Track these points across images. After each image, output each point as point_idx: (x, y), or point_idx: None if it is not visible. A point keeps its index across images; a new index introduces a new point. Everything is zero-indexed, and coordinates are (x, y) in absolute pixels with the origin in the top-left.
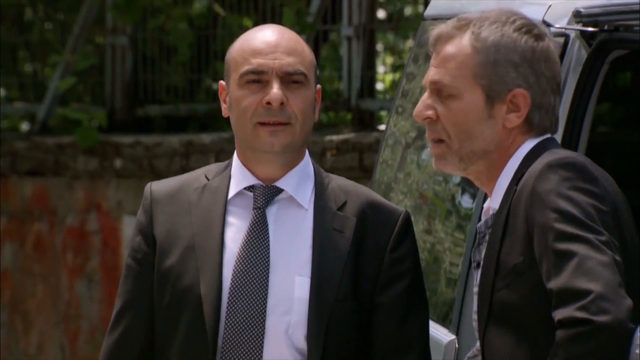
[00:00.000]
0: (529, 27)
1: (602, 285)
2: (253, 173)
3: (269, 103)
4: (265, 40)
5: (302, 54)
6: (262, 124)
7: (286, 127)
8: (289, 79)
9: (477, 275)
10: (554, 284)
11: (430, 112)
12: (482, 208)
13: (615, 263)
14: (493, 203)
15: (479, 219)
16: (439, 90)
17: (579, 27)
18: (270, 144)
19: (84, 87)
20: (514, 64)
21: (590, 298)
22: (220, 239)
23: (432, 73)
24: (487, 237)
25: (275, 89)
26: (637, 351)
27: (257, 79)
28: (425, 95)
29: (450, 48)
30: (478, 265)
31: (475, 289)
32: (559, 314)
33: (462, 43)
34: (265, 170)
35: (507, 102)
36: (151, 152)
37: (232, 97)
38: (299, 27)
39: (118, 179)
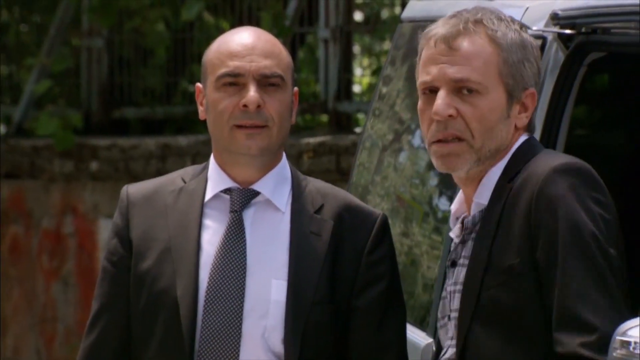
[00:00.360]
0: (522, 25)
1: (608, 324)
2: (230, 176)
3: (245, 106)
4: (242, 43)
5: (279, 57)
6: (239, 126)
7: (263, 129)
8: (266, 82)
9: (453, 274)
10: (559, 301)
11: (452, 110)
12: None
13: (619, 295)
14: (481, 198)
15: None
16: (460, 88)
17: (557, 29)
18: (247, 147)
19: (61, 90)
20: (530, 63)
21: (596, 336)
22: (197, 241)
23: (454, 70)
24: (473, 234)
25: (252, 92)
26: (614, 354)
27: (234, 81)
28: (443, 92)
29: (469, 45)
30: (454, 263)
31: (452, 288)
32: (563, 345)
33: (480, 41)
34: (242, 173)
35: (521, 102)
36: (127, 154)
37: (208, 100)
38: (276, 30)
39: (94, 181)
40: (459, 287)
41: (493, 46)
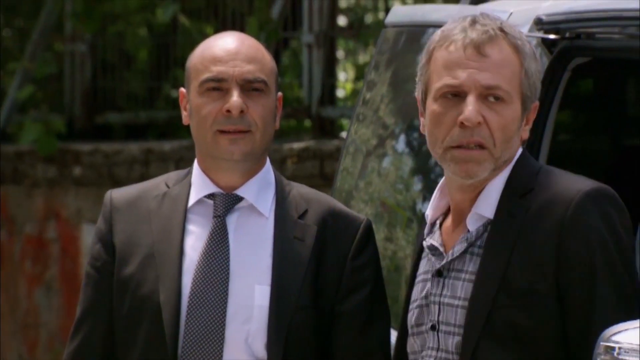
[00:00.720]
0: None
1: None
2: (213, 181)
3: (228, 111)
4: (226, 48)
5: (263, 62)
6: (222, 131)
7: (246, 134)
8: (249, 87)
9: (441, 285)
10: (590, 332)
11: (481, 117)
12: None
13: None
14: (483, 210)
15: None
16: (487, 95)
17: (541, 34)
18: (230, 152)
19: (44, 95)
20: (540, 74)
21: None
22: (180, 247)
23: (485, 77)
24: (476, 248)
25: (235, 97)
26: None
27: (217, 86)
28: (473, 98)
29: (499, 53)
30: (440, 273)
31: (444, 299)
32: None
33: (508, 49)
34: (225, 179)
35: (528, 114)
36: (110, 159)
37: (192, 105)
38: (264, 34)
39: (77, 186)
40: (460, 302)
41: (517, 55)
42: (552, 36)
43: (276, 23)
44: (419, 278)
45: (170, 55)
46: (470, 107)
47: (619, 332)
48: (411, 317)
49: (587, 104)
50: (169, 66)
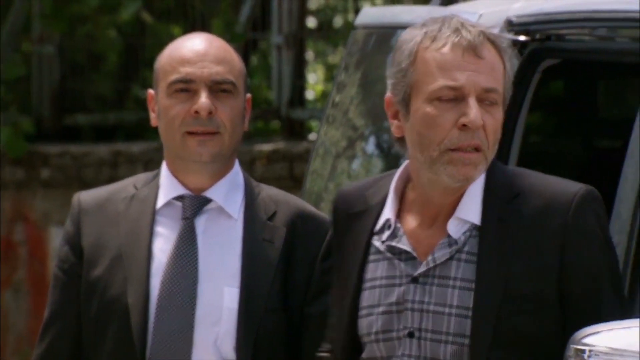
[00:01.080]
0: None
1: None
2: (182, 183)
3: (197, 112)
4: (194, 49)
5: (231, 63)
6: (191, 133)
7: (215, 136)
8: (218, 88)
9: (418, 291)
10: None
11: (482, 121)
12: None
13: None
14: (466, 215)
15: (389, 228)
16: (484, 98)
17: (511, 36)
18: (199, 154)
19: (13, 96)
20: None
21: None
22: (148, 249)
23: (484, 80)
24: (463, 254)
25: (203, 98)
26: None
27: (186, 87)
28: (473, 101)
29: (491, 56)
30: (415, 280)
31: (425, 307)
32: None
33: (494, 52)
34: (194, 180)
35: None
36: (79, 161)
37: (160, 106)
38: (228, 36)
39: (45, 189)
40: (453, 309)
41: (501, 58)
42: (522, 38)
43: (242, 26)
44: (374, 283)
45: (138, 56)
46: (475, 109)
47: (590, 334)
48: (372, 323)
49: (558, 106)
50: (137, 68)
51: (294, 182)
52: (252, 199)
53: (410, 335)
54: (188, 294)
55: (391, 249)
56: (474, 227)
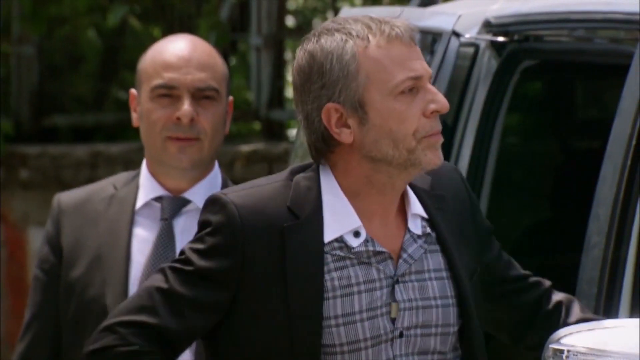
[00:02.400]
0: None
1: None
2: (161, 184)
3: (179, 119)
4: (178, 54)
5: (215, 68)
6: (171, 138)
7: (195, 142)
8: (201, 95)
9: (408, 289)
10: (518, 268)
11: None
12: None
13: None
14: (418, 210)
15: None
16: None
17: (489, 37)
18: (179, 160)
19: None
20: None
21: None
22: (127, 250)
23: (427, 65)
24: (428, 246)
25: (186, 105)
26: None
27: (168, 93)
28: (432, 87)
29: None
30: (397, 280)
31: (425, 302)
32: (542, 279)
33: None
34: (173, 183)
35: None
36: (58, 162)
37: (142, 109)
38: (215, 36)
39: (24, 190)
40: (439, 301)
41: None
42: (500, 39)
43: (226, 26)
44: (350, 289)
45: (118, 57)
46: (440, 94)
47: (568, 334)
48: (353, 331)
49: (536, 107)
50: (116, 69)
51: None
52: None
53: (401, 335)
54: None
55: (361, 254)
56: (423, 219)
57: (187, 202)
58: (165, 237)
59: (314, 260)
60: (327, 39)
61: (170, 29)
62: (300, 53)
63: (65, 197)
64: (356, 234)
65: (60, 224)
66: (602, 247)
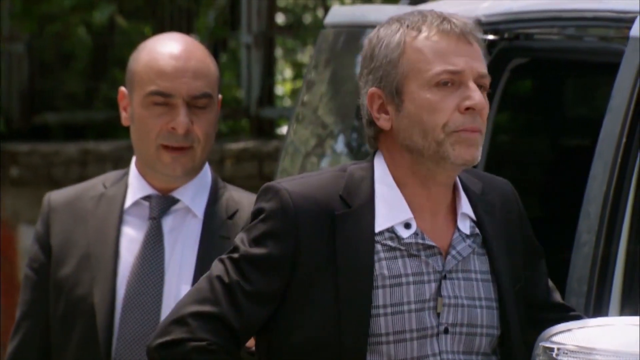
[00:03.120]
0: None
1: None
2: (150, 183)
3: (174, 128)
4: (173, 63)
5: (209, 74)
6: (166, 147)
7: (188, 150)
8: (195, 103)
9: (456, 286)
10: (560, 298)
11: None
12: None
13: None
14: (467, 210)
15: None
16: (479, 84)
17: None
18: (172, 169)
19: None
20: None
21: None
22: (115, 249)
23: (480, 65)
24: (476, 248)
25: (182, 116)
26: None
27: (164, 101)
28: (473, 84)
29: (477, 44)
30: (445, 275)
31: (469, 302)
32: (582, 315)
33: (477, 42)
34: (162, 183)
35: None
36: (48, 160)
37: (135, 113)
38: (208, 32)
39: (14, 187)
40: (484, 302)
41: (482, 48)
42: (490, 37)
43: (225, 16)
44: (399, 280)
45: (108, 55)
46: (478, 92)
47: (558, 332)
48: (401, 321)
49: (526, 105)
50: (107, 67)
51: (263, 181)
52: (216, 199)
53: (446, 331)
54: (154, 294)
55: (411, 246)
56: (472, 220)
57: (175, 201)
58: (154, 236)
59: (365, 249)
60: (385, 28)
61: (161, 27)
62: (366, 41)
63: (56, 196)
64: (407, 225)
65: (50, 222)
66: (592, 245)
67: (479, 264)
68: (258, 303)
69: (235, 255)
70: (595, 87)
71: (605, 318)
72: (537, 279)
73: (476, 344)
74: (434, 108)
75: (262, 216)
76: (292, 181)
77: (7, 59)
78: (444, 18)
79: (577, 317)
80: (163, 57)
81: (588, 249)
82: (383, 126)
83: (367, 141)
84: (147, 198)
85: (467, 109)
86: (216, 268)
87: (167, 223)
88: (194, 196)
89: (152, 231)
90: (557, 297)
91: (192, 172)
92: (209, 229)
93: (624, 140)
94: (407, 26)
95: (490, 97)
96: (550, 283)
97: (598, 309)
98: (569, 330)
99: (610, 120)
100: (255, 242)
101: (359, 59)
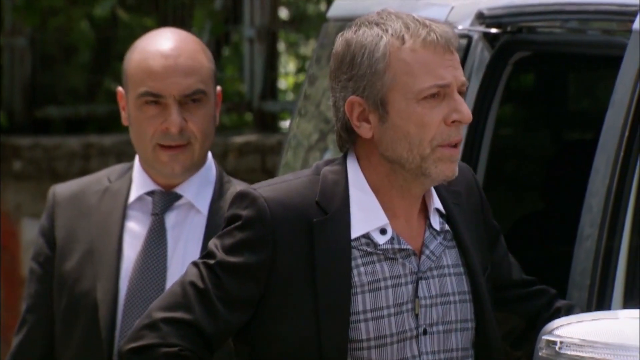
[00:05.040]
0: None
1: None
2: (153, 179)
3: (167, 128)
4: (162, 62)
5: (201, 70)
6: (162, 146)
7: (186, 147)
8: (188, 100)
9: (431, 285)
10: (522, 273)
11: None
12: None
13: None
14: (438, 205)
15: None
16: (460, 92)
17: (482, 28)
18: (171, 168)
19: None
20: None
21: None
22: (118, 244)
23: (461, 74)
24: (447, 242)
25: (174, 115)
26: (540, 354)
27: (155, 100)
28: (459, 96)
29: (455, 50)
30: (421, 276)
31: (444, 299)
32: (547, 287)
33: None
34: (165, 179)
35: None
36: (50, 154)
37: (130, 114)
38: (209, 27)
39: (17, 181)
40: (457, 296)
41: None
42: (493, 30)
43: (221, 13)
44: (377, 285)
45: (110, 49)
46: (464, 105)
47: (561, 326)
48: (381, 326)
49: (529, 98)
50: (109, 60)
51: (266, 175)
52: (221, 194)
53: (425, 332)
54: (156, 290)
55: (387, 251)
56: (441, 214)
57: (178, 197)
58: (156, 232)
59: (342, 256)
60: (365, 32)
61: (164, 20)
62: (339, 39)
63: (61, 189)
64: (382, 231)
65: (55, 216)
66: (595, 239)
67: (450, 258)
68: (232, 310)
69: (211, 261)
70: (597, 81)
71: (608, 311)
72: (499, 259)
73: (453, 341)
74: (423, 121)
75: (238, 223)
76: (268, 187)
77: (9, 52)
78: (426, 27)
79: (542, 291)
80: (153, 57)
81: (590, 243)
82: (363, 134)
83: (338, 142)
84: (150, 193)
85: (454, 121)
86: (190, 273)
87: (170, 219)
88: (197, 192)
89: (155, 227)
90: (519, 273)
91: (193, 168)
92: (213, 224)
93: (626, 133)
94: (391, 35)
95: (492, 90)
96: (512, 258)
97: (601, 302)
98: (571, 323)
99: (613, 113)
100: (231, 250)
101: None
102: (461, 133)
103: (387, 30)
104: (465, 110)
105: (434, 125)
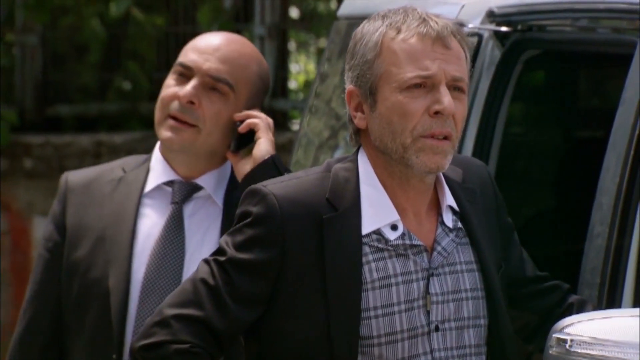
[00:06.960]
0: None
1: None
2: (173, 169)
3: (179, 97)
4: (209, 42)
5: (239, 68)
6: (170, 117)
7: (190, 128)
8: (212, 85)
9: (443, 282)
10: (535, 269)
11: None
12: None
13: None
14: (451, 202)
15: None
16: (453, 87)
17: (493, 26)
18: (169, 140)
19: None
20: None
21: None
22: (132, 232)
23: (453, 68)
24: (461, 239)
25: (189, 87)
26: (550, 352)
27: (184, 72)
28: (445, 88)
29: (457, 46)
30: (432, 273)
31: (455, 295)
32: (560, 282)
33: (457, 44)
34: (183, 169)
35: None
36: (61, 152)
37: (166, 81)
38: (216, 25)
39: (28, 179)
40: (469, 293)
41: (463, 50)
42: (504, 28)
43: (229, 12)
44: (388, 281)
45: (121, 47)
46: (447, 97)
47: (572, 324)
48: (392, 323)
49: (539, 96)
50: (120, 58)
51: None
52: (235, 187)
53: (437, 329)
54: (173, 279)
55: (399, 247)
56: (454, 212)
57: (198, 188)
58: (175, 220)
59: (352, 252)
60: (370, 23)
61: (174, 19)
62: (353, 34)
63: (73, 176)
64: (393, 227)
65: (66, 202)
66: (605, 237)
67: (463, 255)
68: (243, 307)
69: (221, 258)
70: (608, 79)
71: (619, 309)
72: (513, 256)
73: (466, 337)
74: (404, 111)
75: (248, 220)
76: (279, 184)
77: (20, 50)
78: (423, 19)
79: (556, 287)
80: (205, 38)
81: (601, 241)
82: (359, 125)
83: (349, 138)
84: (169, 183)
85: (436, 112)
86: (202, 270)
87: (188, 209)
88: (216, 185)
89: (174, 215)
90: (533, 269)
91: (190, 151)
92: (229, 216)
93: (636, 131)
94: (388, 25)
95: (503, 88)
96: (525, 255)
97: (611, 300)
98: (581, 321)
99: (623, 111)
100: (242, 246)
101: None
102: (448, 126)
103: (386, 21)
104: (447, 101)
105: (416, 115)
